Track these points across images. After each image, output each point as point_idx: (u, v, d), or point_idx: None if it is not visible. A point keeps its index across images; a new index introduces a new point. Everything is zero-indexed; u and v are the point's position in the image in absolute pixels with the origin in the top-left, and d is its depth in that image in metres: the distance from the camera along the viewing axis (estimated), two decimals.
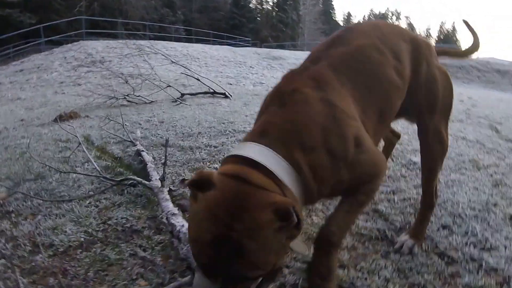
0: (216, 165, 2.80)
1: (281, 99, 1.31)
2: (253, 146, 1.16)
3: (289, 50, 25.47)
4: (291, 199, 1.08)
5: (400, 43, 1.59)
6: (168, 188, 2.25)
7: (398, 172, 2.66)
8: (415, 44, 1.66)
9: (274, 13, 35.97)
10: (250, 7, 35.20)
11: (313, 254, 1.27)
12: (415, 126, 1.84)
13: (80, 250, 1.75)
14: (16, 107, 6.89)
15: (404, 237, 1.74)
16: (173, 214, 1.81)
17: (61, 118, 4.88)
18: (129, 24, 18.54)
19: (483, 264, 1.58)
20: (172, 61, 7.94)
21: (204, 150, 3.18)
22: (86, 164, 2.91)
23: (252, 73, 13.81)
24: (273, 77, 12.97)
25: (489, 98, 9.22)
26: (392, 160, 2.93)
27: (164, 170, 2.27)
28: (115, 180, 2.46)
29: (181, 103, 6.26)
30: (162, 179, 2.20)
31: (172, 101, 6.44)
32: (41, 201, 2.26)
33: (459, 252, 1.67)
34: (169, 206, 1.90)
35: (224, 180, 1.05)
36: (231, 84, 10.15)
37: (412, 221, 1.95)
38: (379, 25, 1.66)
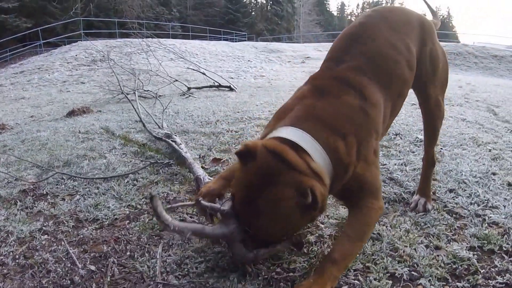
0: (238, 145, 2.89)
1: (319, 91, 1.45)
2: (292, 130, 1.31)
3: (286, 42, 25.51)
4: (318, 181, 1.22)
5: (408, 31, 1.71)
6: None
7: (407, 148, 2.93)
8: (422, 25, 1.80)
9: (268, 7, 35.97)
10: (245, 1, 35.21)
11: (313, 277, 1.26)
12: (418, 110, 2.00)
13: (128, 221, 1.82)
14: (22, 106, 6.93)
15: (416, 197, 1.96)
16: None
17: (74, 113, 4.93)
18: (125, 24, 18.56)
19: (486, 219, 1.79)
20: (180, 56, 7.98)
21: (226, 134, 3.29)
22: (114, 150, 2.97)
23: (250, 66, 13.88)
24: (272, 70, 13.05)
25: (487, 84, 9.38)
26: (401, 138, 3.21)
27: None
28: (150, 161, 2.60)
29: (189, 96, 6.36)
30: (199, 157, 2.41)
31: (180, 95, 6.55)
32: (77, 183, 2.32)
33: (465, 210, 1.89)
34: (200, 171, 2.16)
35: (264, 153, 1.22)
36: (232, 78, 10.23)
37: None
38: (387, 16, 1.73)
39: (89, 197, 2.11)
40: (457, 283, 1.32)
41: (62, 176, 2.46)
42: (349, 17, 59.47)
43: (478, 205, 1.92)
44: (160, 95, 6.53)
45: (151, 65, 10.19)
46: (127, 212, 1.92)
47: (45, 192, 2.25)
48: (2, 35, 16.14)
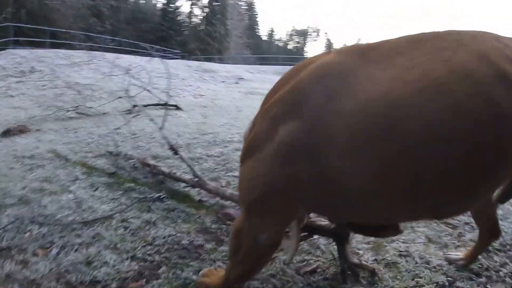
0: (230, 173, 2.61)
1: None
2: None
3: (217, 63, 25.40)
4: None
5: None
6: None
7: None
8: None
9: (202, 27, 35.62)
10: (179, 20, 34.52)
11: None
12: None
13: (144, 280, 1.41)
14: None
15: None
16: None
17: (10, 132, 4.19)
18: (56, 34, 16.93)
19: (473, 225, 1.92)
20: (126, 72, 7.36)
21: (208, 160, 2.95)
22: (78, 182, 2.46)
23: (185, 85, 13.42)
24: (209, 89, 12.71)
25: None
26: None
27: None
28: (138, 197, 2.16)
29: (137, 115, 5.82)
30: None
31: (126, 113, 5.99)
32: (46, 229, 1.80)
33: (456, 220, 2.08)
34: None
35: None
36: (171, 96, 9.76)
37: None
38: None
39: (71, 250, 1.62)
40: (480, 279, 1.53)
41: (23, 219, 1.90)
42: (276, 43, 61.14)
43: (464, 215, 2.07)
44: (104, 113, 5.94)
45: (88, 80, 9.39)
46: (136, 267, 1.49)
47: (5, 246, 1.68)
48: None
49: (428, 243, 1.82)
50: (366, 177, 0.90)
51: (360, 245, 1.77)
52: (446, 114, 0.84)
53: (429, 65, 0.88)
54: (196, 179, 2.25)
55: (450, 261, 1.67)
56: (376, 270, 1.54)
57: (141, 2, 32.74)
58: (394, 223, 1.23)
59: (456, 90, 0.85)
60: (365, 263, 1.56)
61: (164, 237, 1.72)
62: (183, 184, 2.37)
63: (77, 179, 2.55)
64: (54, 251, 1.62)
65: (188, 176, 2.35)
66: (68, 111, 5.81)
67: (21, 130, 4.37)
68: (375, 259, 1.66)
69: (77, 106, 6.01)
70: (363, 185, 0.91)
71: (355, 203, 0.96)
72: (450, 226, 2.02)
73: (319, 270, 1.55)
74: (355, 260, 1.52)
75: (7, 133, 4.20)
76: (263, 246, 1.07)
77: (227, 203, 2.10)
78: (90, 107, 6.03)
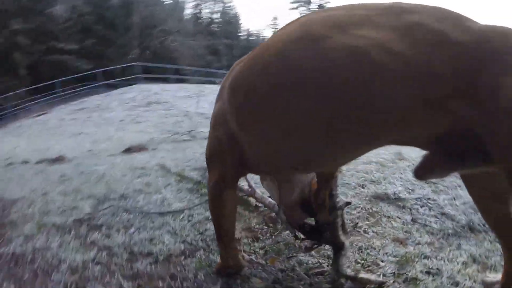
0: None
1: None
2: None
3: None
4: None
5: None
6: None
7: (454, 183, 2.90)
8: None
9: None
10: None
11: None
12: None
13: (183, 257, 1.73)
14: (81, 140, 7.19)
15: None
16: None
17: (130, 150, 5.03)
18: (179, 70, 19.34)
19: None
20: None
21: None
22: (169, 186, 2.93)
23: None
24: None
25: None
26: None
27: None
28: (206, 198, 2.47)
29: None
30: None
31: None
32: (132, 216, 2.27)
33: None
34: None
35: None
36: None
37: (473, 219, 2.13)
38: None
39: (144, 231, 2.04)
40: None
41: (118, 208, 2.42)
42: None
43: None
44: None
45: (203, 109, 10.47)
46: (182, 248, 1.84)
47: (99, 223, 2.21)
48: (64, 74, 16.71)
49: (470, 262, 1.67)
50: (261, 134, 1.24)
51: (385, 257, 1.71)
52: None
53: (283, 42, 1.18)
54: (250, 189, 2.54)
55: (486, 285, 1.43)
56: (389, 286, 1.44)
57: (251, 39, 35.38)
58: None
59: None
60: (365, 276, 1.46)
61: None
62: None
63: (169, 184, 3.03)
64: (131, 230, 2.07)
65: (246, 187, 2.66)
66: (182, 134, 6.66)
67: (140, 148, 5.20)
68: (393, 273, 1.58)
69: (190, 130, 6.82)
70: (263, 141, 1.25)
71: (263, 158, 1.31)
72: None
73: (327, 273, 1.57)
74: (349, 272, 1.47)
75: (128, 150, 5.05)
76: (212, 190, 1.46)
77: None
78: (201, 131, 6.75)
